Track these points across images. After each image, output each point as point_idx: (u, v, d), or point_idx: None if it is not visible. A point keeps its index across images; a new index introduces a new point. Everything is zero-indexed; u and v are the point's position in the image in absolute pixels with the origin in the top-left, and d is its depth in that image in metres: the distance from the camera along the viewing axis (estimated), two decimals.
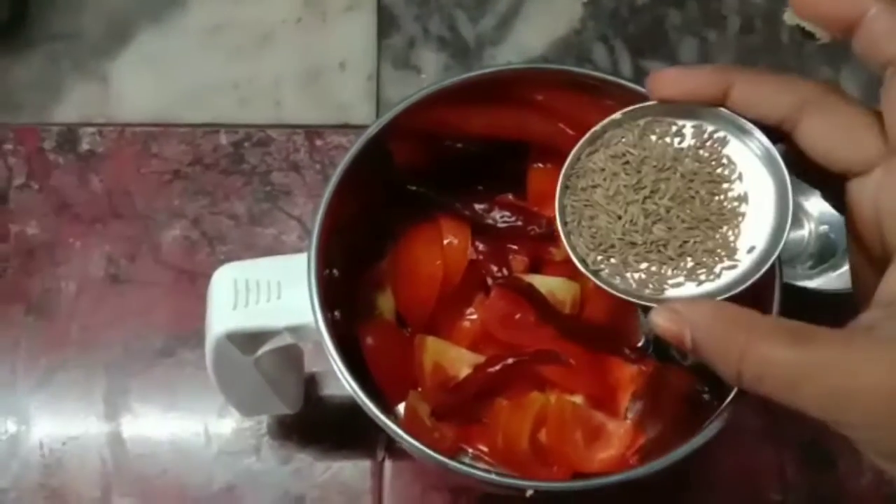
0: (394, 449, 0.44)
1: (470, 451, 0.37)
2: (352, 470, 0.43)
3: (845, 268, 0.47)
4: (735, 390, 0.29)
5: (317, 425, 0.44)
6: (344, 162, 0.32)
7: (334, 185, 0.31)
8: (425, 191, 0.38)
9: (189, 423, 0.44)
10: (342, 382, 0.30)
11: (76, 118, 0.51)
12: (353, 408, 0.45)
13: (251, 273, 0.31)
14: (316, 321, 0.29)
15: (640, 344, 0.38)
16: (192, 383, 0.45)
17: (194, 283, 0.47)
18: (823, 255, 0.48)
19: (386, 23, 0.55)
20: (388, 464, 0.44)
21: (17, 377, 0.45)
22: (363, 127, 0.52)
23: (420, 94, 0.34)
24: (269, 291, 0.30)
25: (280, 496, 0.43)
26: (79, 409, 0.44)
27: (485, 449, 0.36)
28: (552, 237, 0.37)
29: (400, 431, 0.28)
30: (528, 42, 0.55)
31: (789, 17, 0.56)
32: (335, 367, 0.29)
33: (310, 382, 0.44)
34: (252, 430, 0.44)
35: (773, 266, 0.28)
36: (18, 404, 0.44)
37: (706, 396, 0.33)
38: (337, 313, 0.31)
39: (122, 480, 0.43)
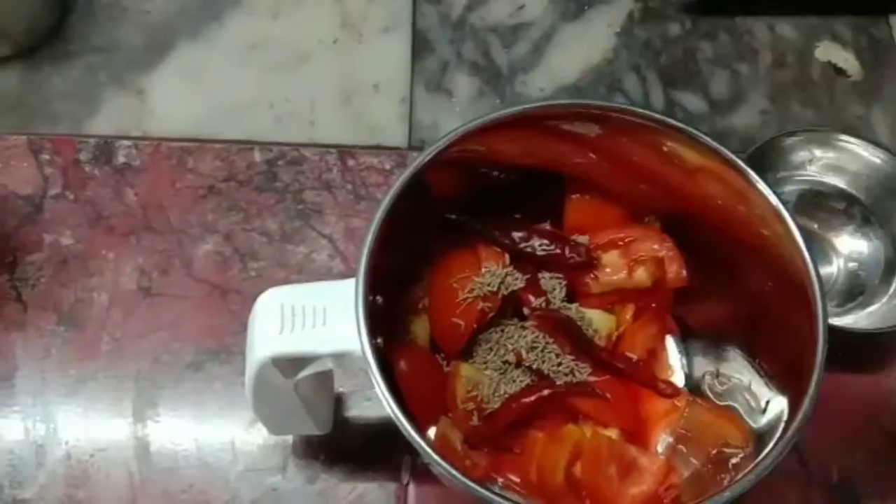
0: (419, 473, 0.44)
1: (500, 480, 0.37)
2: (377, 492, 0.43)
3: (874, 306, 0.47)
4: (776, 439, 0.29)
5: (343, 446, 0.44)
6: (390, 194, 0.33)
7: (381, 216, 0.32)
8: (463, 219, 0.38)
9: (216, 439, 0.44)
10: (386, 410, 0.30)
11: (112, 131, 0.51)
12: (378, 430, 0.46)
13: (297, 298, 0.31)
14: (363, 349, 0.29)
15: (674, 376, 0.38)
16: (220, 399, 0.45)
17: (225, 299, 0.47)
18: (852, 293, 0.48)
19: (420, 46, 0.56)
20: (412, 488, 0.44)
21: (47, 386, 0.45)
22: (395, 149, 0.54)
23: (462, 129, 0.35)
24: (315, 317, 0.31)
25: None
26: (107, 420, 0.44)
27: (516, 479, 0.36)
28: (591, 266, 0.37)
29: (443, 462, 0.29)
30: (560, 69, 0.56)
31: (821, 54, 0.56)
32: (381, 396, 0.29)
33: (336, 403, 0.44)
34: (279, 448, 0.44)
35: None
36: (47, 414, 0.44)
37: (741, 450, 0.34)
38: (380, 340, 0.31)
39: (147, 494, 0.43)
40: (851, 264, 0.48)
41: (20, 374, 0.45)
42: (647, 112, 0.35)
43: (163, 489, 0.43)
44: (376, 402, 0.45)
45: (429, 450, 0.29)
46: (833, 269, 0.49)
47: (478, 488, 0.29)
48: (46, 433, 0.44)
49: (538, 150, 0.39)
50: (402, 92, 0.54)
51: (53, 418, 0.44)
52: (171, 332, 0.46)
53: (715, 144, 0.34)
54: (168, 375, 0.45)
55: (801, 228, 0.33)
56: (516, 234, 0.38)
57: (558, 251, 0.37)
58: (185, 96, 0.53)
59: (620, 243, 0.38)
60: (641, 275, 0.37)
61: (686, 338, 0.41)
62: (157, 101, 0.52)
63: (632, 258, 0.37)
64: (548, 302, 0.37)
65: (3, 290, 0.47)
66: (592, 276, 0.38)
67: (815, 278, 0.31)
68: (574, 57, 0.56)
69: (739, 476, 0.29)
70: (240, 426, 0.44)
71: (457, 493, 0.38)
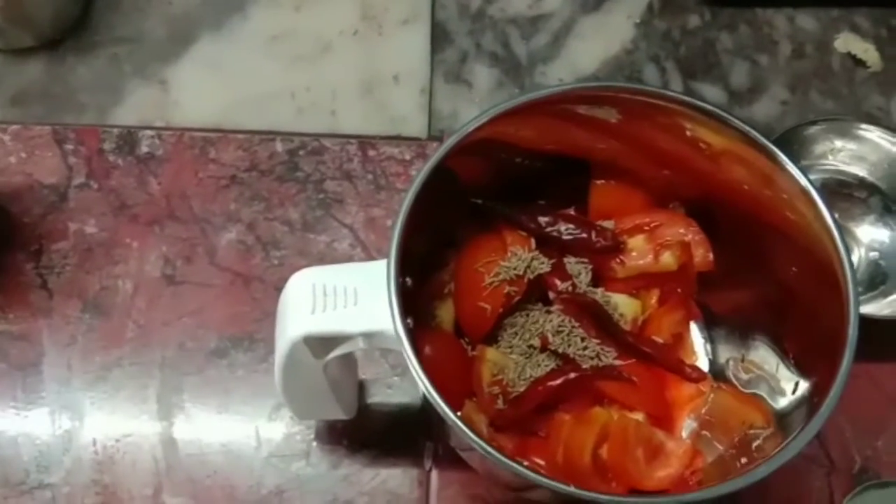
0: (441, 459, 0.44)
1: (525, 463, 0.37)
2: (400, 478, 0.44)
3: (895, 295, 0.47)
4: (803, 423, 0.29)
5: (365, 432, 0.44)
6: (419, 178, 0.33)
7: (411, 199, 0.32)
8: (490, 204, 0.38)
9: (240, 426, 0.44)
10: (420, 389, 0.30)
11: (136, 121, 0.52)
12: (400, 416, 0.47)
13: (329, 278, 0.31)
14: (395, 328, 0.30)
15: (698, 362, 0.38)
16: (244, 385, 0.45)
17: (248, 287, 0.48)
18: (873, 282, 0.48)
19: (440, 37, 0.56)
20: (434, 473, 0.44)
21: (73, 374, 0.45)
22: (415, 139, 0.54)
23: (487, 114, 0.35)
24: (346, 297, 0.31)
25: (328, 502, 0.43)
26: (132, 407, 0.45)
27: (541, 462, 0.36)
28: (617, 250, 0.37)
29: (475, 437, 0.29)
30: (579, 60, 0.56)
31: (841, 44, 0.56)
32: (414, 372, 0.30)
33: (359, 390, 0.45)
34: (302, 435, 0.44)
35: None
36: (73, 401, 0.45)
37: (764, 430, 0.34)
38: (409, 320, 0.31)
39: (172, 480, 0.43)
40: (872, 253, 0.48)
41: (46, 361, 0.45)
42: (674, 94, 0.35)
43: (187, 475, 0.43)
44: (398, 389, 0.46)
45: (461, 424, 0.29)
46: (854, 258, 0.48)
47: (510, 463, 0.29)
48: (73, 419, 0.44)
49: (560, 137, 0.39)
50: (421, 83, 0.54)
51: (79, 405, 0.45)
52: (195, 319, 0.47)
53: (742, 125, 0.34)
54: (192, 363, 0.46)
55: (827, 203, 0.32)
56: (542, 219, 0.38)
57: (584, 235, 0.37)
58: (208, 87, 0.53)
59: (646, 228, 0.38)
60: (668, 259, 0.37)
61: (710, 324, 0.41)
62: (181, 91, 0.53)
63: (658, 242, 0.38)
64: (574, 286, 0.37)
65: (30, 277, 0.47)
66: (618, 260, 0.38)
67: (845, 260, 0.31)
68: (593, 48, 0.56)
69: (765, 458, 0.29)
70: (264, 413, 0.45)
71: (479, 476, 0.39)
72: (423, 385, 0.29)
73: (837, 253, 0.32)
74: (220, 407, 0.45)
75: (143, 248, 0.48)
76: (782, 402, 0.36)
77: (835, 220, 0.32)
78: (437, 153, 0.34)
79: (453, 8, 0.57)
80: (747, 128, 0.34)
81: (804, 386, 0.35)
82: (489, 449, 0.29)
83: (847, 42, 0.56)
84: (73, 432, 0.44)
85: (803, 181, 0.33)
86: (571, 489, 0.28)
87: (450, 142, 0.34)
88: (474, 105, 0.54)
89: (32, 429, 0.44)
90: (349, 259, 0.49)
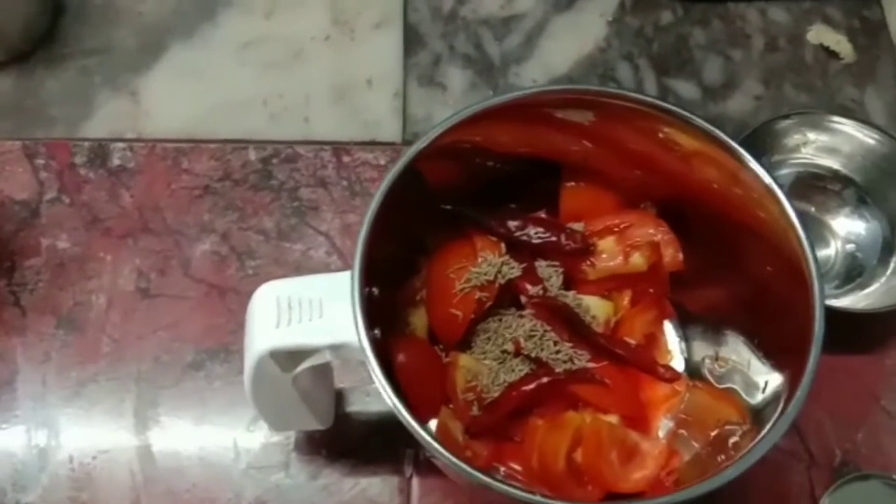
0: (421, 466, 0.44)
1: (502, 469, 0.37)
2: (380, 486, 0.43)
3: (873, 287, 0.47)
4: (776, 417, 0.29)
5: (344, 441, 0.44)
6: (384, 184, 0.33)
7: (376, 206, 0.32)
8: (459, 209, 0.38)
9: (218, 438, 0.44)
10: (385, 400, 0.30)
11: (107, 133, 0.51)
12: (380, 425, 0.46)
13: (293, 291, 0.31)
14: (360, 340, 0.29)
15: (674, 361, 0.38)
16: (221, 397, 0.45)
17: (224, 298, 0.47)
18: (850, 275, 0.48)
19: (412, 41, 0.56)
20: (415, 481, 0.44)
21: (48, 390, 0.45)
22: (390, 144, 0.54)
23: (455, 118, 0.35)
24: (312, 309, 0.31)
25: None
26: (109, 422, 0.44)
27: (518, 468, 0.36)
28: (587, 253, 0.37)
29: (444, 451, 0.29)
30: (552, 60, 0.56)
31: (813, 37, 0.56)
32: (380, 386, 0.29)
33: (337, 399, 0.44)
34: (281, 446, 0.44)
35: None
36: (49, 417, 0.44)
37: (740, 427, 0.34)
38: (377, 331, 0.31)
39: (151, 494, 0.43)
40: (849, 246, 0.48)
41: (21, 379, 0.45)
42: (639, 96, 0.35)
43: (166, 489, 0.43)
44: (376, 396, 0.45)
45: (429, 439, 0.29)
46: (830, 251, 0.49)
47: (481, 476, 0.29)
48: (48, 437, 0.44)
49: (533, 139, 0.39)
50: (395, 87, 0.54)
51: (55, 422, 0.44)
52: (171, 332, 0.46)
53: (707, 125, 0.34)
54: (168, 376, 0.45)
55: (796, 208, 0.32)
56: (512, 223, 0.38)
57: (554, 239, 0.37)
58: (180, 96, 0.53)
59: (616, 229, 0.38)
60: (637, 260, 0.37)
61: (685, 323, 0.41)
62: (152, 102, 0.52)
63: (627, 243, 0.38)
64: (545, 290, 0.37)
65: (2, 295, 0.47)
66: (589, 262, 0.38)
67: (810, 256, 0.31)
68: (566, 47, 0.56)
69: (741, 454, 0.29)
70: (241, 424, 0.44)
71: (460, 484, 0.38)
72: (389, 398, 0.29)
73: (803, 249, 0.32)
74: (198, 419, 0.45)
75: (116, 261, 0.48)
76: (757, 397, 0.35)
77: (799, 217, 0.32)
78: (403, 158, 0.34)
79: (425, 10, 0.57)
80: (711, 128, 0.34)
81: (777, 380, 0.35)
82: (453, 460, 0.28)
83: (819, 34, 0.56)
84: (50, 450, 0.44)
85: (767, 179, 0.33)
86: (537, 498, 0.28)
87: (415, 147, 0.34)
88: (448, 108, 0.54)
89: (8, 447, 0.44)
90: (326, 267, 0.49)
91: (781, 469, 0.44)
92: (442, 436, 0.37)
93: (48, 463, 0.43)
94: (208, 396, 0.45)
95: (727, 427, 0.35)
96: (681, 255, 0.37)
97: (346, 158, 0.52)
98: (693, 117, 0.34)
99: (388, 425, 0.46)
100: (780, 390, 0.33)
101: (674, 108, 0.34)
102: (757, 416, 0.35)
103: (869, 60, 0.55)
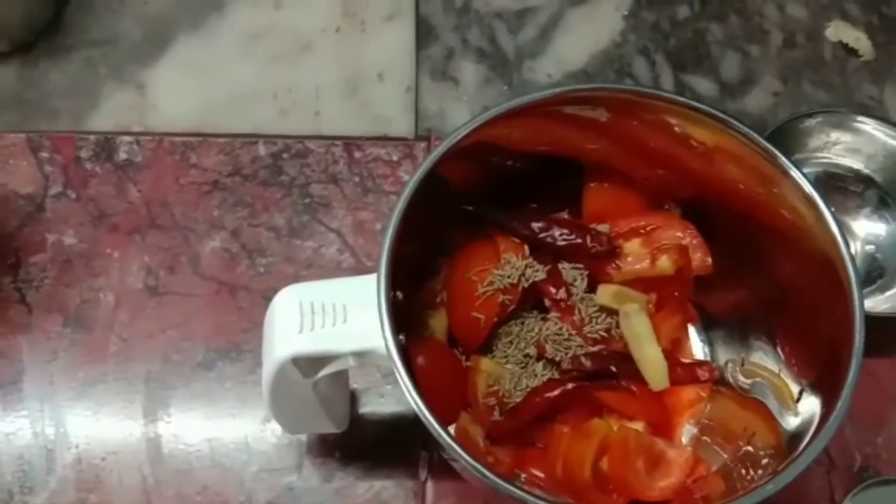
0: (436, 469, 0.43)
1: (523, 475, 0.36)
2: (394, 489, 0.43)
3: (894, 289, 0.46)
4: (814, 426, 0.29)
5: (358, 443, 0.43)
6: (408, 189, 0.32)
7: (400, 210, 0.31)
8: (481, 210, 0.37)
9: (230, 439, 0.43)
10: (412, 407, 0.29)
11: (113, 126, 0.50)
12: (393, 426, 0.45)
13: (316, 295, 0.30)
14: (387, 347, 0.29)
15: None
16: (232, 398, 0.44)
17: (234, 296, 0.46)
18: (870, 276, 0.47)
19: (424, 33, 0.54)
20: (430, 484, 0.43)
21: (56, 390, 0.44)
22: (402, 139, 0.53)
23: (476, 120, 0.34)
24: (335, 315, 0.30)
25: None
26: (118, 423, 0.43)
27: (540, 474, 0.36)
28: (613, 255, 0.36)
29: (470, 458, 0.28)
30: (567, 54, 0.55)
31: (832, 34, 0.55)
32: (408, 394, 0.29)
33: (350, 401, 0.44)
34: (293, 447, 0.43)
35: None
36: (57, 418, 0.43)
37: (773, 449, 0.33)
38: (402, 336, 0.30)
39: (161, 497, 0.42)
40: (869, 247, 0.48)
41: (27, 378, 0.44)
42: (656, 91, 0.34)
43: (177, 491, 0.42)
44: (390, 398, 0.45)
45: (457, 448, 0.28)
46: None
47: (504, 484, 0.29)
48: (56, 437, 0.43)
49: (552, 138, 0.38)
50: (407, 81, 0.53)
51: (63, 422, 0.43)
52: (180, 331, 0.45)
53: (743, 127, 0.33)
54: (178, 375, 0.45)
55: (830, 206, 0.32)
56: (535, 225, 0.37)
57: (579, 241, 0.36)
58: (187, 89, 0.51)
59: (642, 231, 0.37)
60: (664, 263, 0.36)
61: (707, 326, 0.41)
62: (159, 94, 0.51)
63: (654, 246, 0.37)
64: (569, 293, 0.36)
65: (7, 292, 0.46)
66: (614, 265, 0.37)
67: (847, 259, 0.31)
68: (582, 41, 0.55)
69: (772, 476, 0.28)
70: (253, 425, 0.44)
71: (476, 488, 0.38)
72: (417, 406, 0.28)
73: (838, 251, 0.31)
74: (209, 420, 0.44)
75: (124, 258, 0.47)
76: (789, 418, 0.35)
77: (839, 225, 0.31)
78: (426, 161, 0.33)
79: (438, 2, 0.55)
80: (746, 129, 0.33)
81: (808, 394, 0.34)
82: (483, 470, 0.28)
83: (838, 30, 0.55)
84: (57, 451, 0.43)
85: (807, 187, 0.32)
86: None
87: (440, 149, 0.33)
88: (461, 103, 0.53)
89: (15, 449, 0.43)
90: (337, 265, 0.48)
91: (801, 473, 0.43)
92: (462, 441, 0.36)
93: (56, 465, 0.42)
94: (219, 397, 0.44)
95: (756, 440, 0.34)
96: (709, 259, 0.37)
97: (357, 154, 0.51)
98: (731, 119, 0.33)
99: (402, 427, 0.45)
100: (814, 411, 0.32)
101: (715, 110, 0.33)
102: (787, 430, 0.34)
103: (888, 58, 0.55)
